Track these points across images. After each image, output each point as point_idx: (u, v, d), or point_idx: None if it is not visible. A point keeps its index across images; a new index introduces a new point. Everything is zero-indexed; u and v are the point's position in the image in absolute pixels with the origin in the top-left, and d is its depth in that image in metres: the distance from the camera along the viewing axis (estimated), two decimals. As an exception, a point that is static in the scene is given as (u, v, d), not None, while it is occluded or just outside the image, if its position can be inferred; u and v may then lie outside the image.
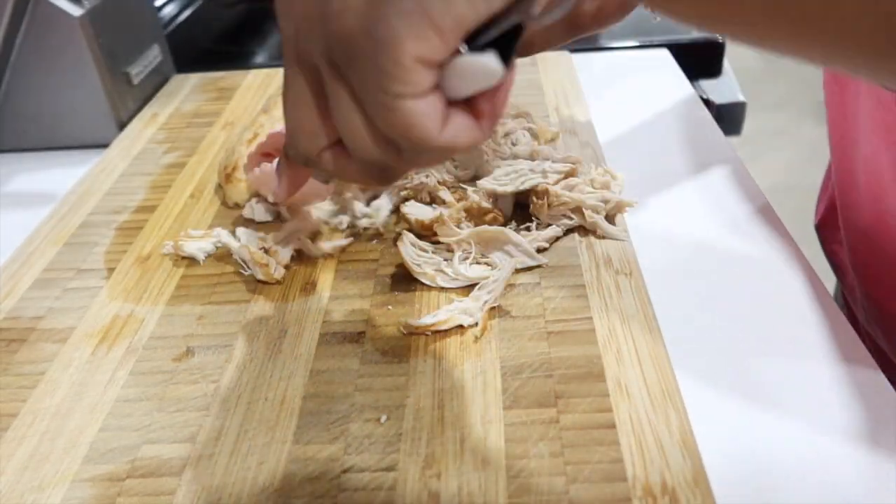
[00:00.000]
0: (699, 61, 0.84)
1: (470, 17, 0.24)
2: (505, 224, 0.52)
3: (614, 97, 0.73)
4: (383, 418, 0.38)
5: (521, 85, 0.74)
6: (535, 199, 0.52)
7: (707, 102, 0.80)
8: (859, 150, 0.53)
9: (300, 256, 0.51)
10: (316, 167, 0.32)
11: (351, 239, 0.52)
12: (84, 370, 0.44)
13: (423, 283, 0.47)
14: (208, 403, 0.40)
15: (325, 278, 0.49)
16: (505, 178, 0.53)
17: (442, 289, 0.47)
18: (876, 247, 0.52)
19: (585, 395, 0.38)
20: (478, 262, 0.48)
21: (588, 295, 0.45)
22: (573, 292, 0.46)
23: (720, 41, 0.85)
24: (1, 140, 0.73)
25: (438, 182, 0.54)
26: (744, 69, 1.10)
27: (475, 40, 0.25)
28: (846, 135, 0.54)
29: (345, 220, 0.54)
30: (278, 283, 0.49)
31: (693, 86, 0.76)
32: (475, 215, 0.51)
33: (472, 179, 0.55)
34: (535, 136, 0.62)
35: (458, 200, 0.52)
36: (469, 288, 0.47)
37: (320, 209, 0.54)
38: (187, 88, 0.81)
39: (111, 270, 0.52)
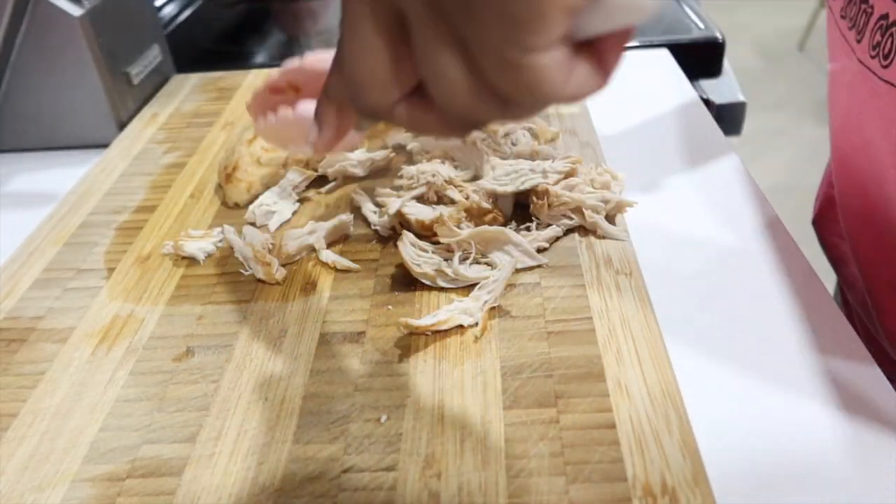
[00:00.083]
0: (699, 61, 0.84)
1: None
2: (505, 224, 0.52)
3: (614, 97, 0.73)
4: (383, 418, 0.38)
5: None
6: (535, 199, 0.52)
7: (707, 102, 0.80)
8: (858, 137, 0.53)
9: (300, 259, 0.51)
10: (383, 120, 0.28)
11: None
12: (84, 370, 0.44)
13: (423, 283, 0.47)
14: (208, 403, 0.40)
15: (325, 278, 0.49)
16: (505, 178, 0.53)
17: (442, 289, 0.47)
18: (876, 235, 0.52)
19: (585, 395, 0.38)
20: (478, 262, 0.48)
21: (588, 295, 0.45)
22: (573, 292, 0.46)
23: (720, 41, 0.85)
24: (1, 140, 0.73)
25: (445, 181, 0.54)
26: (744, 69, 1.10)
27: None
28: (846, 121, 0.54)
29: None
30: (278, 283, 0.49)
31: (693, 86, 0.76)
32: (475, 215, 0.51)
33: (473, 179, 0.55)
34: (535, 136, 0.62)
35: (466, 199, 0.52)
36: (469, 288, 0.47)
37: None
38: (187, 88, 0.81)
39: (111, 270, 0.52)
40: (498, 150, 0.58)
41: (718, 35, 0.85)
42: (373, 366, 0.42)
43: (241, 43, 1.00)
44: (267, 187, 0.58)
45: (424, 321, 0.43)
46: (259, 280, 0.49)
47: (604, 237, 0.50)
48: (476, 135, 0.61)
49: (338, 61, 0.29)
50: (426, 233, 0.50)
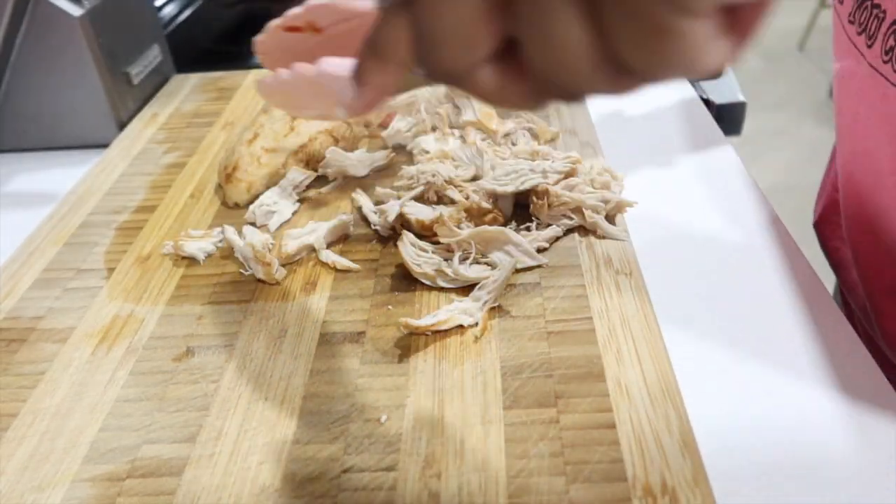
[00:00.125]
0: (699, 61, 0.84)
1: None
2: (505, 224, 0.52)
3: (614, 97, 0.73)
4: (383, 418, 0.38)
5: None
6: (535, 199, 0.52)
7: (707, 102, 0.80)
8: (863, 143, 0.53)
9: (299, 260, 0.51)
10: (456, 85, 0.24)
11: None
12: (84, 370, 0.44)
13: (423, 283, 0.47)
14: (208, 403, 0.40)
15: (325, 278, 0.49)
16: (505, 178, 0.53)
17: (442, 289, 0.47)
18: (877, 240, 0.52)
19: (585, 395, 0.38)
20: (478, 262, 0.48)
21: (588, 295, 0.45)
22: (573, 292, 0.46)
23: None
24: (1, 140, 0.73)
25: (445, 181, 0.54)
26: (744, 69, 1.10)
27: None
28: (853, 125, 0.54)
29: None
30: (278, 283, 0.49)
31: (693, 86, 0.76)
32: (475, 215, 0.51)
33: (473, 179, 0.55)
34: (535, 136, 0.62)
35: (466, 199, 0.52)
36: (469, 288, 0.47)
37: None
38: (187, 88, 0.81)
39: (111, 270, 0.52)
40: (498, 151, 0.58)
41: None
42: (373, 366, 0.42)
43: (241, 43, 1.00)
44: (267, 187, 0.58)
45: (424, 321, 0.43)
46: (259, 280, 0.49)
47: (604, 237, 0.50)
48: (476, 135, 0.61)
49: (401, 5, 0.24)
50: (426, 233, 0.50)
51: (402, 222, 0.52)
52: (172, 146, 0.69)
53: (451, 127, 0.63)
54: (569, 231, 0.51)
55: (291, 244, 0.51)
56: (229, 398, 0.41)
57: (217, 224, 0.56)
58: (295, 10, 0.39)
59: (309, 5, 0.39)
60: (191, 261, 0.52)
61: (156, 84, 0.81)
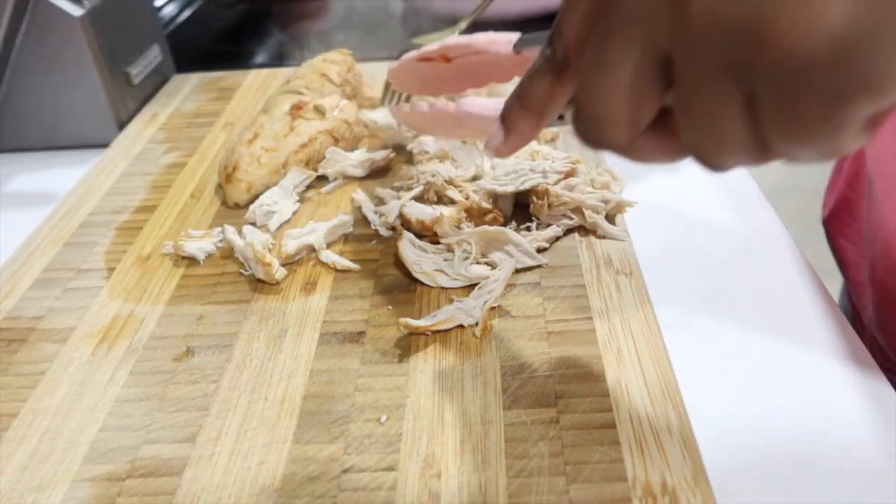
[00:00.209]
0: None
1: None
2: (505, 224, 0.52)
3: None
4: (383, 418, 0.38)
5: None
6: (535, 199, 0.52)
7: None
8: (875, 148, 0.53)
9: (299, 260, 0.51)
10: (613, 152, 0.27)
11: None
12: (84, 370, 0.44)
13: (423, 283, 0.47)
14: (208, 403, 0.40)
15: (325, 278, 0.49)
16: (505, 178, 0.53)
17: (442, 289, 0.47)
18: (886, 245, 0.52)
19: (585, 395, 0.38)
20: (478, 262, 0.48)
21: (588, 295, 0.45)
22: (573, 292, 0.46)
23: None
24: (1, 140, 0.73)
25: (445, 181, 0.54)
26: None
27: None
28: None
29: None
30: (278, 283, 0.49)
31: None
32: (475, 215, 0.51)
33: (473, 179, 0.55)
34: (535, 136, 0.62)
35: (466, 199, 0.52)
36: (469, 288, 0.47)
37: None
38: (187, 88, 0.81)
39: (111, 270, 0.52)
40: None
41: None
42: (373, 366, 0.42)
43: (241, 43, 1.00)
44: (267, 187, 0.58)
45: (424, 321, 0.43)
46: (259, 280, 0.49)
47: (604, 237, 0.50)
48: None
49: (559, 66, 0.28)
50: (426, 233, 0.50)
51: (403, 222, 0.52)
52: (172, 146, 0.69)
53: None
54: (569, 231, 0.51)
55: (291, 244, 0.51)
56: (229, 398, 0.41)
57: (217, 224, 0.56)
58: (433, 46, 0.45)
59: (447, 43, 0.44)
60: (191, 261, 0.52)
61: (156, 84, 0.81)
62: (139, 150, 0.69)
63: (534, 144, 0.59)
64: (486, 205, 0.52)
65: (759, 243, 0.51)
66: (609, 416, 0.37)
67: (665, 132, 0.26)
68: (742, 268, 0.49)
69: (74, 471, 0.37)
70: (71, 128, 0.72)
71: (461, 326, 0.44)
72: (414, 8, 1.03)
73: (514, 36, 0.40)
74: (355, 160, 0.60)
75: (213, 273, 0.51)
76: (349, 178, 0.60)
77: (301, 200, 0.58)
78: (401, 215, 0.52)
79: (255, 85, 0.81)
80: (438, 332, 0.43)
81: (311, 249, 0.51)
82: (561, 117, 0.31)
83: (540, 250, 0.49)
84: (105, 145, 0.71)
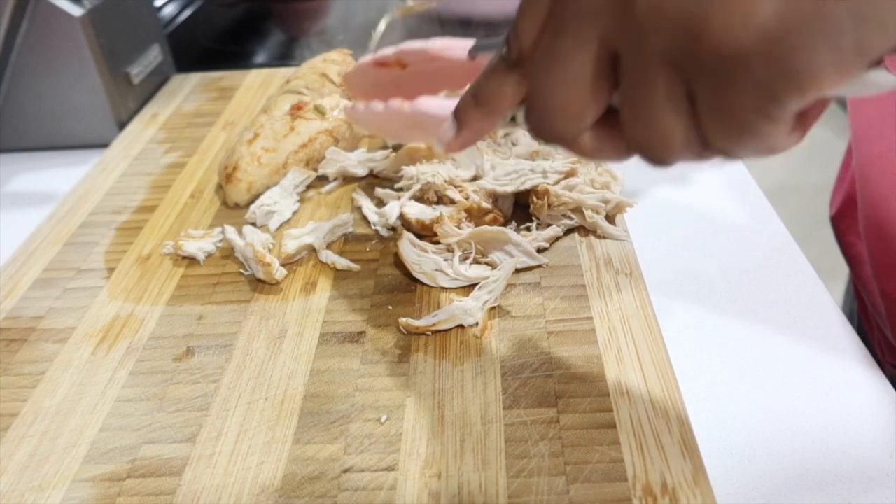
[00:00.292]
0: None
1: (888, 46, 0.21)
2: (505, 224, 0.52)
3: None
4: (383, 418, 0.38)
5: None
6: (535, 199, 0.52)
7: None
8: (877, 146, 0.53)
9: (299, 260, 0.51)
10: (562, 146, 0.29)
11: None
12: (84, 370, 0.44)
13: (423, 283, 0.47)
14: (208, 403, 0.40)
15: (325, 278, 0.49)
16: (505, 178, 0.53)
17: (442, 289, 0.47)
18: (891, 242, 0.52)
19: (585, 395, 0.38)
20: (478, 262, 0.48)
21: (588, 295, 0.45)
22: (573, 292, 0.46)
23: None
24: (1, 140, 0.73)
25: (445, 181, 0.54)
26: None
27: None
28: (868, 129, 0.54)
29: None
30: (278, 283, 0.49)
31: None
32: (475, 215, 0.51)
33: (473, 179, 0.55)
34: (535, 135, 0.62)
35: (466, 199, 0.52)
36: (469, 288, 0.47)
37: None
38: (187, 88, 0.81)
39: (111, 270, 0.52)
40: (498, 150, 0.58)
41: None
42: (373, 366, 0.42)
43: (241, 43, 1.00)
44: (267, 187, 0.58)
45: (424, 321, 0.43)
46: (259, 280, 0.49)
47: (604, 237, 0.50)
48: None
49: (512, 65, 0.29)
50: (426, 233, 0.50)
51: (403, 222, 0.52)
52: (172, 146, 0.69)
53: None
54: (569, 231, 0.51)
55: (291, 244, 0.51)
56: (229, 398, 0.41)
57: (217, 224, 0.56)
58: (388, 49, 0.45)
59: (403, 48, 0.45)
60: (191, 261, 0.52)
61: (156, 84, 0.81)
62: (139, 150, 0.69)
63: (534, 144, 0.59)
64: (486, 205, 0.52)
65: (760, 243, 0.51)
66: (609, 416, 0.37)
67: (612, 130, 0.27)
68: (742, 267, 0.49)
69: (74, 471, 0.37)
70: (71, 128, 0.72)
71: (461, 326, 0.44)
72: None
73: (469, 42, 0.40)
74: (355, 160, 0.60)
75: (213, 273, 0.51)
76: (349, 178, 0.60)
77: (301, 200, 0.58)
78: (401, 215, 0.52)
79: (255, 85, 0.81)
80: (438, 332, 0.43)
81: (311, 249, 0.51)
82: (513, 119, 0.32)
83: (540, 250, 0.49)
84: (105, 145, 0.71)
